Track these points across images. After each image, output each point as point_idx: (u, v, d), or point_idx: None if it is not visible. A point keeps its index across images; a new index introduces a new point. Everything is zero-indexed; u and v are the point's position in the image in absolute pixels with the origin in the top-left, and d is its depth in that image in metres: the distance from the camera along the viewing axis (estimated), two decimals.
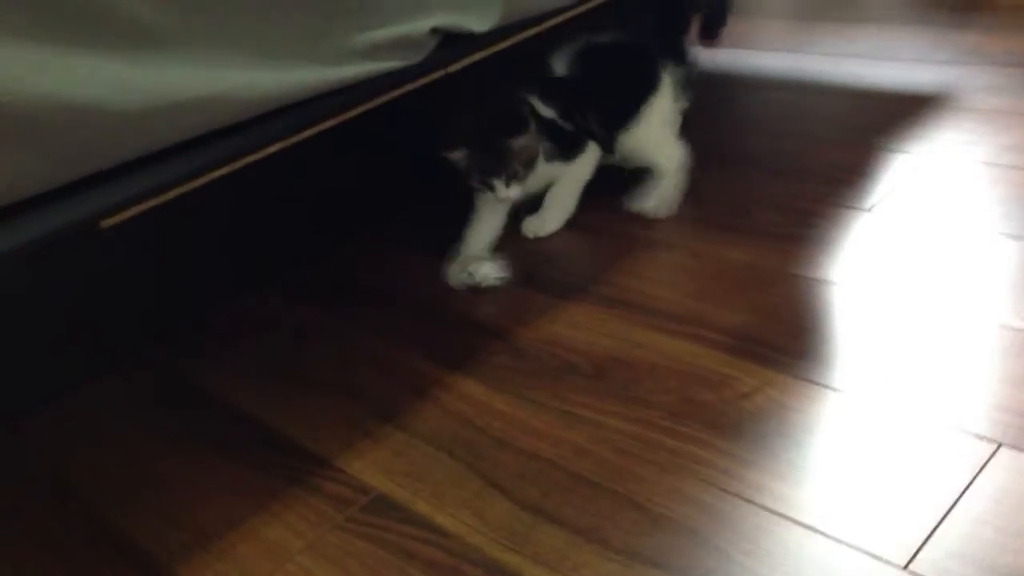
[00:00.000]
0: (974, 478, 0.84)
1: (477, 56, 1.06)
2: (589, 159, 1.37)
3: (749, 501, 0.87)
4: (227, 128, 0.86)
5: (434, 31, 0.99)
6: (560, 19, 1.14)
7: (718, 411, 0.98)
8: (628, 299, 1.20)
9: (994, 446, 0.87)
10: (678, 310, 1.15)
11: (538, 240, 1.38)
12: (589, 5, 1.18)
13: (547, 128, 1.30)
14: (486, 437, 1.02)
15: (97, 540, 0.98)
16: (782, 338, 1.07)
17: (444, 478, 0.97)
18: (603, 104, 1.34)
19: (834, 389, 0.98)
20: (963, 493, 0.83)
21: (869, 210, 1.27)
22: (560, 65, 1.33)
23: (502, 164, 1.25)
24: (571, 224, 1.40)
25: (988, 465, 0.85)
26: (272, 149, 0.91)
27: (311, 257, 1.43)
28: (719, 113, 1.67)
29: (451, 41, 1.01)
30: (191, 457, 1.07)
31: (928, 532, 0.80)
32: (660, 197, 1.38)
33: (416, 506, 0.94)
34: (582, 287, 1.23)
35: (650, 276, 1.23)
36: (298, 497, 0.98)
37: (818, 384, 0.99)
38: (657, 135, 1.39)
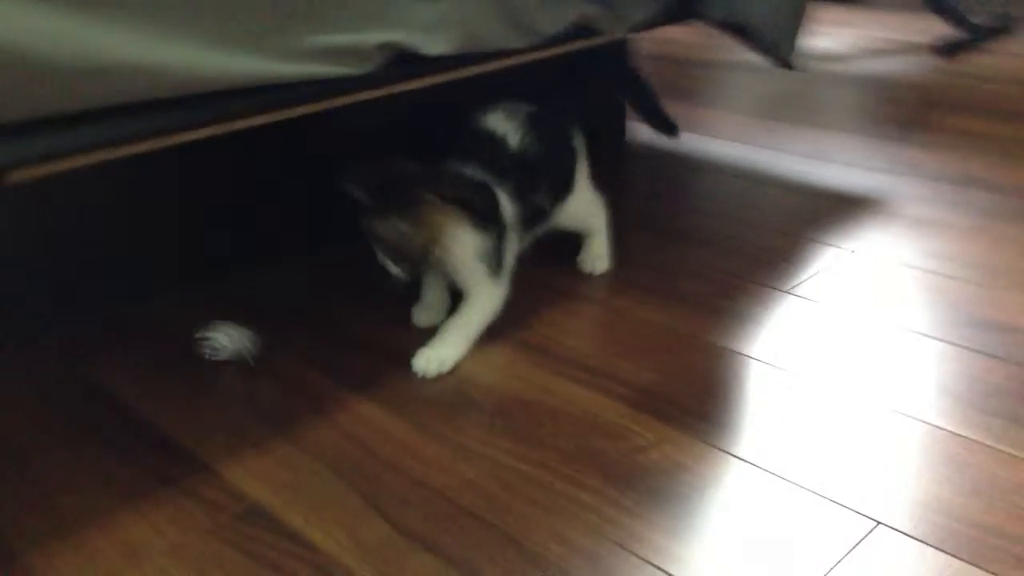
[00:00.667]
0: (848, 552, 0.84)
1: (424, 81, 1.06)
2: (498, 292, 1.21)
3: (628, 551, 0.85)
4: (155, 103, 0.84)
5: (383, 46, 0.99)
6: (513, 61, 1.16)
7: (612, 461, 0.97)
8: (543, 346, 1.19)
9: (872, 524, 0.87)
10: (590, 362, 1.15)
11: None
12: (543, 53, 1.20)
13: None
14: (375, 459, 0.99)
15: None
16: (686, 399, 1.07)
17: (324, 495, 0.94)
18: (550, 177, 1.28)
19: (730, 453, 0.98)
20: (835, 566, 0.82)
21: (790, 291, 1.29)
22: (511, 136, 1.22)
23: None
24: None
25: (863, 541, 0.85)
26: (201, 133, 0.90)
27: (236, 264, 1.40)
28: (667, 190, 1.70)
29: (404, 62, 1.01)
30: (64, 444, 1.03)
31: None
32: (598, 255, 1.38)
33: (291, 519, 0.91)
34: (499, 329, 1.22)
35: (568, 327, 1.23)
36: (169, 498, 0.94)
37: (715, 447, 0.99)
38: (588, 198, 1.38)
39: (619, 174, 1.76)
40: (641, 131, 1.94)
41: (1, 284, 1.20)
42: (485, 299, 1.20)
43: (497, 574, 0.83)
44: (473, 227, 1.15)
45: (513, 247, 1.23)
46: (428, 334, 1.19)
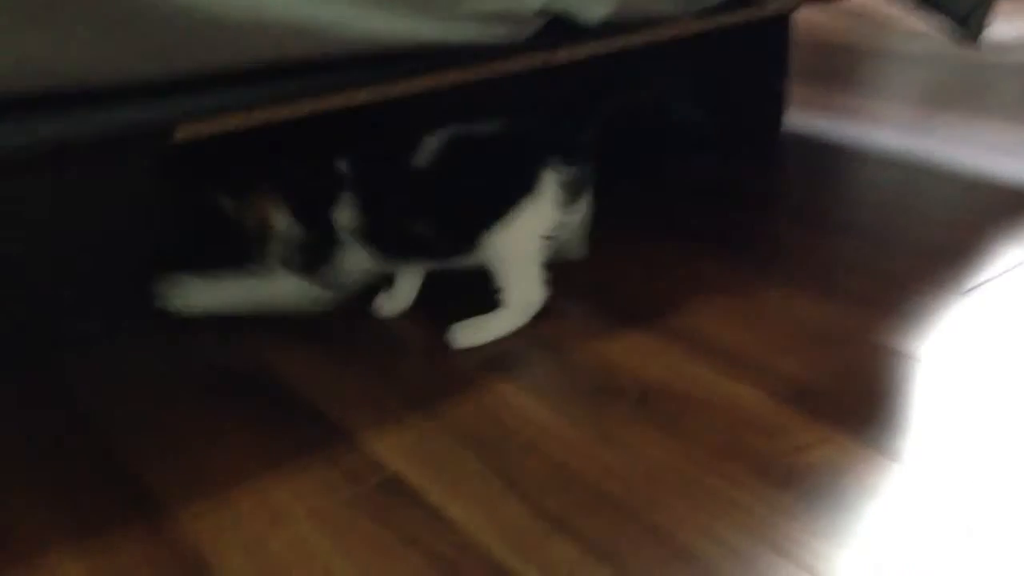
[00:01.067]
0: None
1: (580, 51, 1.03)
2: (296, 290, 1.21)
3: (784, 554, 0.79)
4: (311, 65, 0.84)
5: (542, 11, 0.96)
6: (665, 33, 1.10)
7: (767, 459, 0.91)
8: (690, 334, 1.14)
9: None
10: (741, 354, 1.09)
11: (609, 262, 1.33)
12: (697, 27, 1.14)
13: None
14: (516, 441, 0.96)
15: (104, 474, 0.96)
16: (848, 400, 0.99)
17: (464, 473, 0.92)
18: (457, 201, 1.16)
19: (896, 460, 0.90)
20: None
21: (965, 293, 1.19)
22: (424, 154, 1.14)
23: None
24: (646, 256, 1.35)
25: None
26: (361, 96, 0.89)
27: None
28: (825, 181, 1.61)
29: (556, 30, 0.98)
30: (213, 408, 1.05)
31: None
32: (474, 326, 1.17)
33: (429, 495, 0.89)
34: (645, 316, 1.18)
35: (716, 317, 1.17)
36: (311, 465, 0.95)
37: (879, 452, 0.91)
38: (517, 254, 1.16)
39: (773, 164, 1.68)
40: (798, 120, 1.85)
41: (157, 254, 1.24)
42: (279, 291, 1.21)
43: (641, 565, 0.79)
44: (293, 218, 1.17)
45: (355, 261, 1.20)
46: (575, 325, 1.15)
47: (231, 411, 1.05)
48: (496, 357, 1.12)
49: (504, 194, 1.13)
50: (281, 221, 1.18)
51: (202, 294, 1.22)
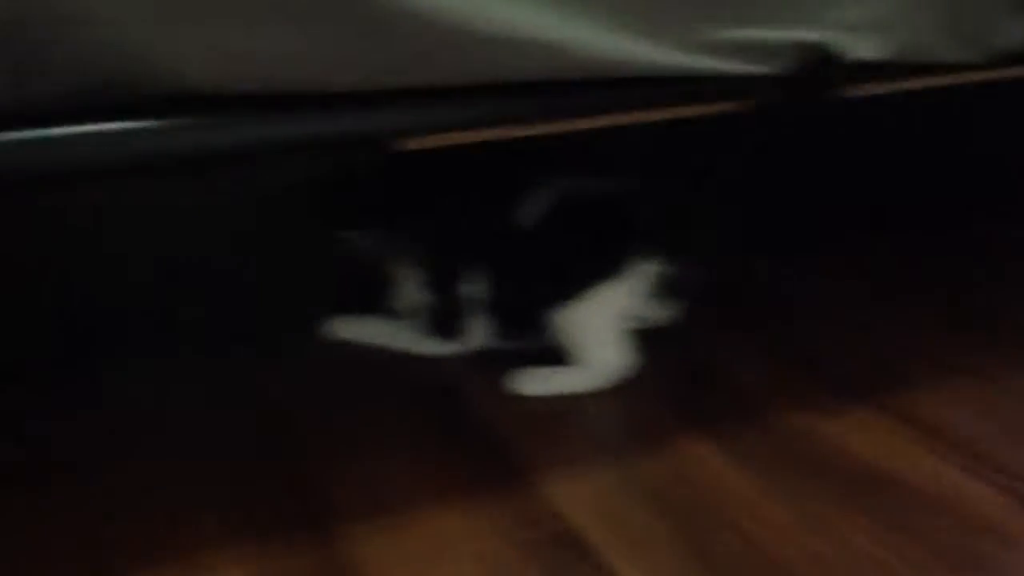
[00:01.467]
0: None
1: (847, 90, 0.93)
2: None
3: None
4: (538, 85, 0.80)
5: (800, 45, 0.87)
6: (958, 79, 0.98)
7: (1003, 571, 0.77)
8: (920, 418, 1.00)
9: None
10: (981, 446, 0.94)
11: (828, 327, 1.21)
12: (999, 75, 1.00)
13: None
14: (709, 509, 0.87)
15: (281, 480, 0.95)
16: None
17: (647, 537, 0.83)
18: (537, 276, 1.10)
19: None
20: None
21: None
22: (528, 212, 1.09)
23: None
24: (869, 323, 1.22)
25: None
26: (585, 123, 0.85)
27: None
28: None
29: (820, 66, 0.89)
30: (393, 427, 1.03)
31: None
32: (541, 375, 1.10)
33: (606, 554, 0.82)
34: (870, 390, 1.05)
35: (951, 402, 1.03)
36: (485, 502, 0.89)
37: None
38: (590, 326, 1.09)
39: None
40: None
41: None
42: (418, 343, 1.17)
43: None
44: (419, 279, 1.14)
45: (478, 325, 1.14)
46: (788, 388, 1.04)
47: (411, 432, 1.02)
48: (695, 414, 1.03)
49: (579, 272, 1.08)
50: (412, 287, 1.16)
51: (358, 329, 1.22)
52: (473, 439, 1.00)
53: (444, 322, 1.15)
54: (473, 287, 1.12)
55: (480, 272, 1.12)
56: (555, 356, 1.10)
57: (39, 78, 0.67)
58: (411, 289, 1.16)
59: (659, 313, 1.11)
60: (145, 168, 0.84)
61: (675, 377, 1.12)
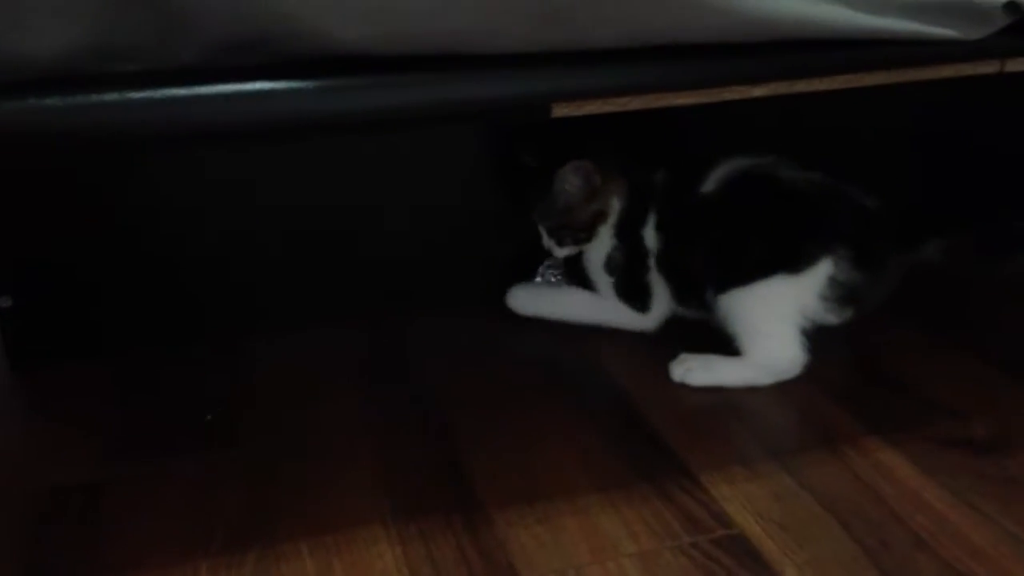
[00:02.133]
0: None
1: None
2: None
3: None
4: (715, 47, 0.73)
5: (1011, 6, 0.77)
6: None
7: None
8: None
9: None
10: None
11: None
12: None
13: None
14: (900, 526, 0.77)
15: (431, 460, 0.91)
16: None
17: (830, 552, 0.75)
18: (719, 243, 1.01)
19: None
20: None
21: None
22: (708, 179, 1.03)
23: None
24: None
25: None
26: (760, 90, 0.77)
27: None
28: None
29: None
30: (555, 418, 0.97)
31: None
32: (701, 363, 1.01)
33: (778, 563, 0.74)
34: None
35: None
36: (648, 499, 0.83)
37: None
38: (761, 314, 1.00)
39: None
40: None
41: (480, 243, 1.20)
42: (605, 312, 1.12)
43: None
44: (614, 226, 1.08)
45: (659, 288, 1.09)
46: (989, 393, 0.93)
47: (568, 423, 0.96)
48: (881, 418, 0.93)
49: (761, 257, 0.99)
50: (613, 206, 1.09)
51: (539, 301, 1.16)
52: (634, 433, 0.94)
53: (631, 281, 1.10)
54: (652, 244, 1.07)
55: (661, 232, 1.07)
56: (722, 339, 1.02)
57: (186, 36, 0.65)
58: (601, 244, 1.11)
59: (833, 318, 1.01)
60: (289, 130, 0.82)
61: (851, 377, 1.02)
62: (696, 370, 1.01)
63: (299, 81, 0.68)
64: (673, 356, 1.03)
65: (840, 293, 0.98)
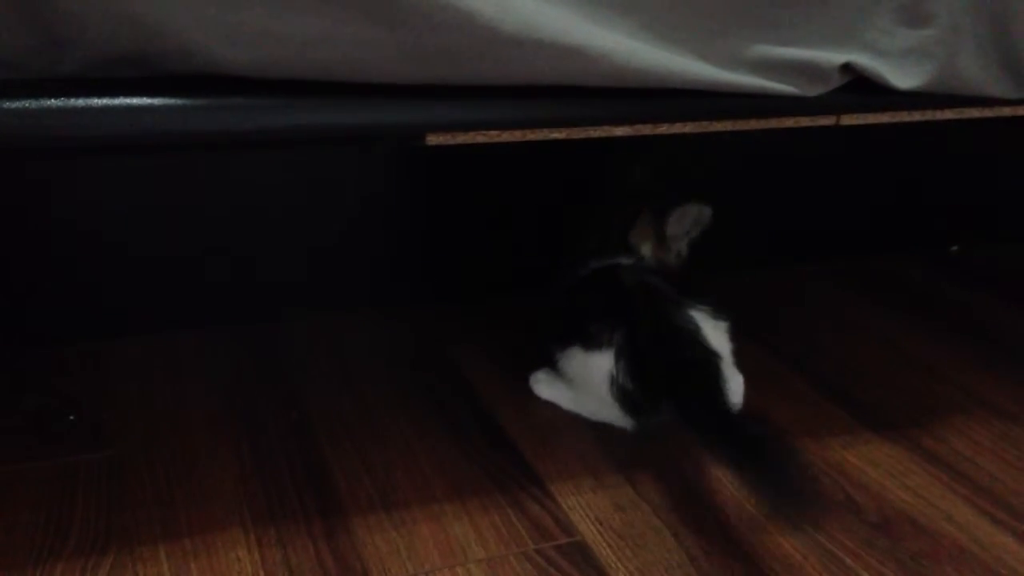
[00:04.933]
0: None
1: (881, 116, 0.90)
2: None
3: None
4: (582, 90, 0.78)
5: (845, 68, 0.85)
6: (992, 113, 0.95)
7: None
8: (948, 458, 0.97)
9: None
10: (1011, 495, 0.91)
11: (863, 355, 1.18)
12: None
13: None
14: (724, 536, 0.85)
15: (297, 463, 0.94)
16: None
17: (658, 560, 0.82)
18: None
19: None
20: None
21: None
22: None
23: None
24: (912, 361, 1.19)
25: None
26: (620, 131, 0.82)
27: None
28: None
29: (861, 87, 0.86)
30: (412, 416, 1.02)
31: None
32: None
33: (616, 572, 0.80)
34: (894, 424, 1.03)
35: (984, 446, 1.00)
36: (498, 506, 0.88)
37: None
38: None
39: None
40: None
41: (366, 245, 1.23)
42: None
43: None
44: None
45: None
46: (813, 418, 1.02)
47: (428, 425, 1.00)
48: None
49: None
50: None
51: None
52: (493, 442, 0.99)
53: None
54: None
55: None
56: None
57: (65, 49, 0.66)
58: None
59: None
60: (165, 145, 0.83)
61: None
62: (542, 383, 1.07)
63: (176, 98, 0.69)
64: (536, 368, 1.08)
65: None
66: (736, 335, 1.01)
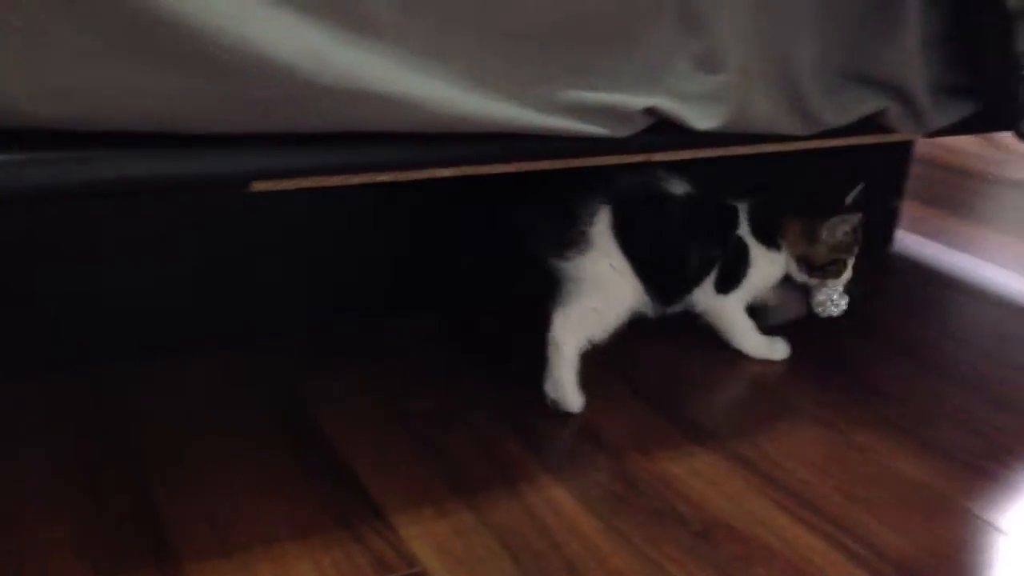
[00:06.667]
0: None
1: (687, 153, 0.98)
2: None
3: None
4: (403, 137, 0.81)
5: (649, 111, 0.91)
6: (784, 147, 1.04)
7: None
8: (765, 467, 1.05)
9: None
10: (823, 504, 0.99)
11: (686, 370, 1.27)
12: (822, 143, 1.07)
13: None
14: (559, 556, 0.89)
15: (131, 508, 0.92)
16: None
17: None
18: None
19: None
20: None
21: None
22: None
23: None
24: (727, 367, 1.27)
25: None
26: (445, 172, 0.86)
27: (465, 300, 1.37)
28: (930, 312, 1.51)
29: (665, 128, 0.93)
30: (253, 451, 1.02)
31: None
32: None
33: None
34: (717, 434, 1.10)
35: (798, 453, 1.08)
36: (339, 541, 0.89)
37: None
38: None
39: (877, 288, 1.58)
40: (908, 241, 1.75)
41: (216, 282, 1.23)
42: None
43: None
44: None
45: None
46: (640, 431, 1.08)
47: (266, 453, 1.01)
48: (555, 456, 1.05)
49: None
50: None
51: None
52: (335, 477, 0.99)
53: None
54: None
55: None
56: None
57: None
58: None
59: None
60: None
61: (530, 418, 1.14)
62: None
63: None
64: (381, 401, 1.10)
65: None
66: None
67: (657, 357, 1.28)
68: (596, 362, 1.14)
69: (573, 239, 1.12)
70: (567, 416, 1.13)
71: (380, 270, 1.32)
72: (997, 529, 0.96)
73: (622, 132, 0.91)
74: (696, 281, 1.24)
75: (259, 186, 0.79)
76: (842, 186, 1.28)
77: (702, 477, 1.03)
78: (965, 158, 2.45)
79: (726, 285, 1.25)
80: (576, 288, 1.13)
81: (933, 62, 1.08)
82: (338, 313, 1.31)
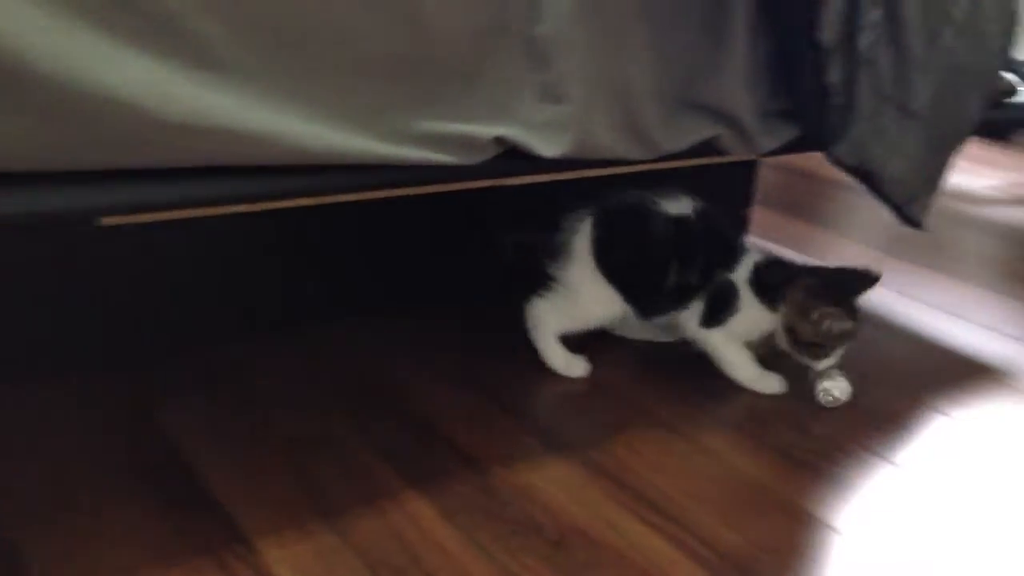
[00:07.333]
0: None
1: (537, 178, 1.03)
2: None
3: None
4: (257, 168, 0.83)
5: (498, 140, 0.96)
6: (628, 169, 1.11)
7: None
8: (615, 473, 1.11)
9: None
10: (667, 505, 1.06)
11: (542, 381, 1.32)
12: (663, 165, 1.15)
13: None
14: (419, 570, 0.92)
15: None
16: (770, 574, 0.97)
17: None
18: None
19: None
20: None
21: (896, 463, 1.18)
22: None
23: None
24: (595, 382, 1.33)
25: None
26: (290, 203, 0.88)
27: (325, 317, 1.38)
28: None
29: (515, 155, 0.98)
30: (111, 481, 1.01)
31: None
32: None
33: None
34: (574, 444, 1.16)
35: (647, 457, 1.15)
36: (203, 568, 0.90)
37: None
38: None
39: None
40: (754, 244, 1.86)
41: (74, 309, 1.20)
42: None
43: None
44: None
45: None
46: (501, 442, 1.12)
47: (124, 482, 1.01)
48: (419, 471, 1.08)
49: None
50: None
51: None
52: (194, 501, 1.00)
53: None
54: None
55: None
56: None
57: None
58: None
59: None
60: None
61: (392, 434, 1.17)
62: None
63: None
64: (243, 427, 1.10)
65: None
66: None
67: (515, 370, 1.33)
68: (458, 378, 1.17)
69: (557, 246, 1.28)
70: (430, 431, 1.16)
71: (240, 294, 1.32)
72: (823, 523, 1.05)
73: (472, 160, 0.95)
74: (674, 303, 1.30)
75: (109, 221, 0.80)
76: (864, 279, 1.31)
77: (559, 485, 1.08)
78: (815, 161, 2.61)
79: (707, 321, 1.31)
80: (557, 286, 1.30)
81: (760, 90, 1.17)
82: (198, 338, 1.30)
